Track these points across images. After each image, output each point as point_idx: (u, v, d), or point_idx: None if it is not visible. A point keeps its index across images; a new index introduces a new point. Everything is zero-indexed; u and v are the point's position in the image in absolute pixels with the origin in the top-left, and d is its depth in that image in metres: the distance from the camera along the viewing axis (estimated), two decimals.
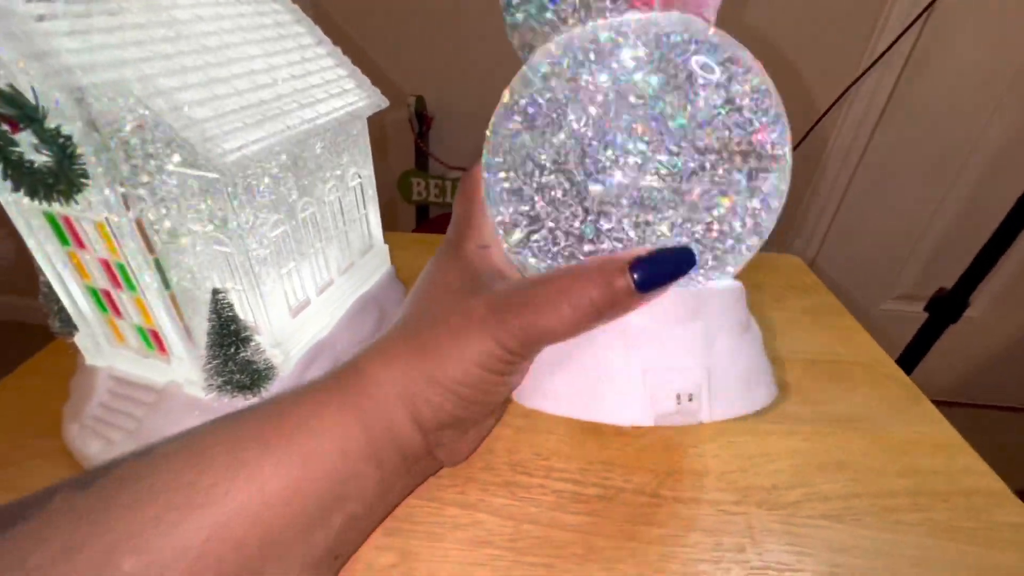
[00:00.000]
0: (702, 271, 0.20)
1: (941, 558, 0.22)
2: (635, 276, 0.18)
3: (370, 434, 0.19)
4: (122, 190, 0.19)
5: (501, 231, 0.21)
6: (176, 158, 0.19)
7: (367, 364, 0.20)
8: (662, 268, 0.18)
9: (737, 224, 0.19)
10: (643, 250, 0.19)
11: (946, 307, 0.74)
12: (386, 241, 0.34)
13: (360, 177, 0.30)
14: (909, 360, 0.82)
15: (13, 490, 0.25)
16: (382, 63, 1.06)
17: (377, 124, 0.29)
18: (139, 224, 0.20)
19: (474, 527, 0.23)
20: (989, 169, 1.03)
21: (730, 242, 0.20)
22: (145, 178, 0.19)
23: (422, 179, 1.07)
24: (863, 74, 0.93)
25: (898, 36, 0.88)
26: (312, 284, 0.27)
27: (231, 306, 0.23)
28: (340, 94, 0.26)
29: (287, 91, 0.24)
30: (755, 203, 0.19)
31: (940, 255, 1.14)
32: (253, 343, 0.24)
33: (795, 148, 0.81)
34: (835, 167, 1.07)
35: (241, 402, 0.24)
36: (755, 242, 0.20)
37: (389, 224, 0.34)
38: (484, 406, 0.21)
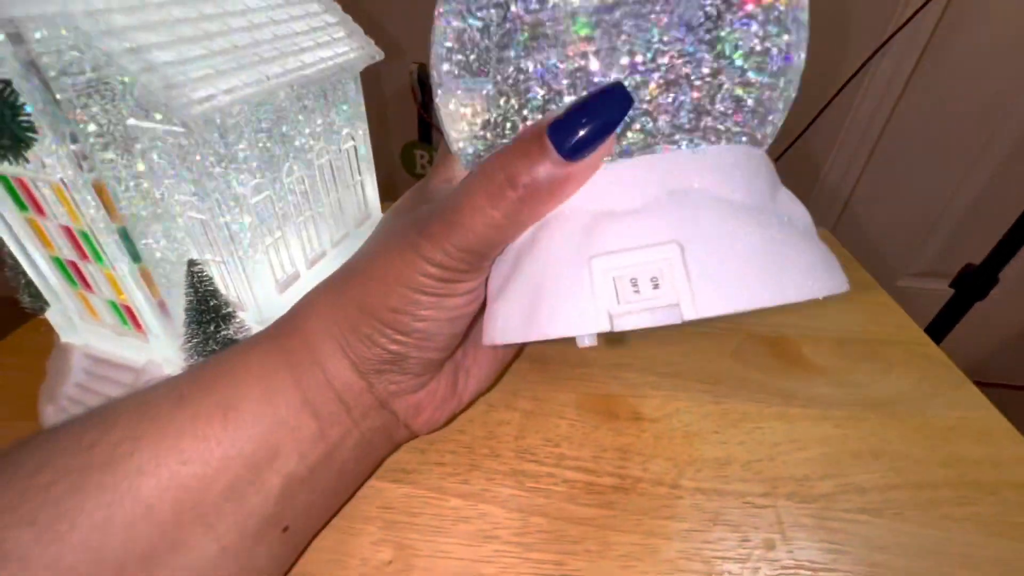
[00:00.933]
0: (692, 135, 0.15)
1: (991, 556, 0.20)
2: (556, 141, 0.14)
3: (299, 377, 0.17)
4: (74, 146, 0.17)
5: (457, 147, 0.17)
6: (135, 110, 0.17)
7: (300, 305, 0.18)
8: (587, 120, 0.13)
9: (741, 61, 0.14)
10: (554, 115, 0.14)
11: (974, 283, 0.71)
12: (385, 212, 0.32)
13: (354, 139, 0.27)
14: (933, 337, 0.80)
15: None
16: (382, 29, 1.01)
17: (376, 91, 0.26)
18: (98, 187, 0.18)
19: (478, 520, 0.21)
20: (1019, 140, 0.98)
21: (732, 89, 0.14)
22: (101, 133, 0.17)
23: (425, 151, 1.03)
24: (889, 39, 0.88)
25: (925, 2, 0.82)
26: (302, 256, 0.25)
27: (210, 280, 0.21)
28: (328, 43, 0.24)
29: (267, 37, 0.21)
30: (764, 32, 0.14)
31: (964, 230, 1.09)
32: (236, 320, 0.22)
33: (818, 116, 0.76)
34: (856, 136, 1.03)
35: None
36: (773, 94, 0.15)
37: (390, 197, 0.31)
38: (426, 338, 0.17)
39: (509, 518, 0.21)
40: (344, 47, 0.24)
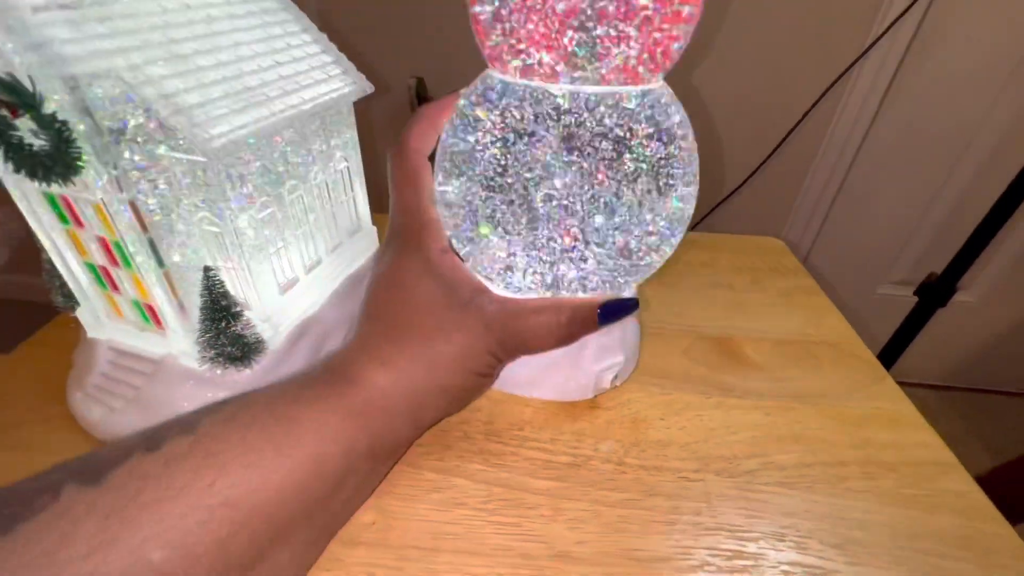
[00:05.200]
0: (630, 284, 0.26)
1: (883, 520, 0.24)
2: (602, 314, 0.24)
3: (373, 440, 0.22)
4: (115, 172, 0.20)
5: (456, 242, 0.24)
6: (166, 144, 0.20)
7: (370, 375, 0.22)
8: (618, 310, 0.24)
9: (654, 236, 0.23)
10: (602, 298, 0.24)
11: (935, 292, 0.75)
12: (375, 223, 0.35)
13: (347, 160, 0.31)
14: (899, 343, 0.84)
15: (26, 449, 0.27)
16: (382, 47, 1.06)
17: (373, 111, 0.30)
18: (133, 205, 0.21)
19: (449, 490, 0.25)
20: (991, 155, 1.03)
21: (647, 259, 0.24)
22: (137, 162, 0.21)
23: None
24: (860, 57, 0.92)
25: (894, 20, 0.87)
26: (300, 263, 0.29)
27: (222, 283, 0.24)
28: (326, 80, 0.27)
29: (273, 78, 0.25)
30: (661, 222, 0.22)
31: (940, 240, 1.14)
32: (243, 318, 0.25)
33: (794, 128, 0.80)
34: (836, 150, 1.07)
35: (233, 373, 0.26)
36: (658, 258, 0.24)
37: (380, 207, 0.35)
38: (471, 400, 0.27)
39: (476, 489, 0.25)
40: (339, 83, 0.28)
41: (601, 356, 0.28)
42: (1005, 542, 0.23)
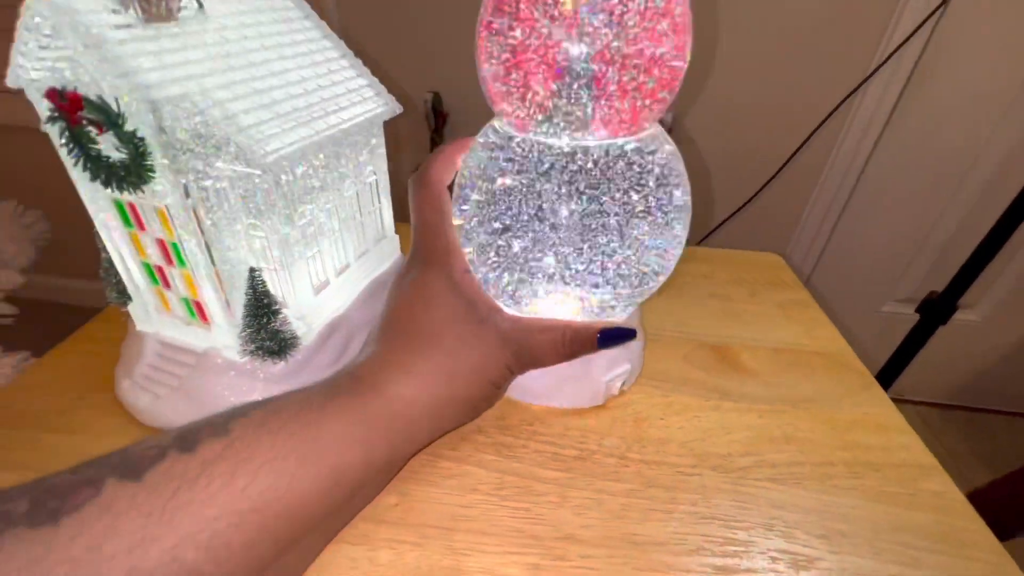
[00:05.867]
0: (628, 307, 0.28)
1: (866, 515, 0.26)
2: (600, 339, 0.27)
3: (392, 449, 0.23)
4: (183, 182, 0.23)
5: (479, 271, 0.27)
6: (226, 158, 0.23)
7: (394, 384, 0.24)
8: (616, 336, 0.27)
9: (654, 263, 0.25)
10: (602, 324, 0.27)
11: (936, 310, 0.77)
12: (398, 231, 0.38)
13: (376, 174, 0.34)
14: (901, 360, 0.85)
15: (75, 432, 0.29)
16: (399, 62, 1.10)
17: (392, 124, 0.33)
18: (193, 210, 0.24)
19: (465, 477, 0.27)
20: (995, 175, 1.05)
21: (648, 283, 0.26)
22: (201, 173, 0.23)
23: None
24: (865, 80, 0.95)
25: (900, 44, 0.89)
26: (332, 267, 0.31)
27: (264, 283, 0.27)
28: (361, 102, 0.30)
29: (316, 100, 0.27)
30: (666, 244, 0.25)
31: (945, 259, 1.15)
32: (281, 315, 0.28)
33: (800, 147, 0.83)
34: (840, 170, 1.09)
35: (270, 365, 0.28)
36: (658, 280, 0.27)
37: (402, 216, 0.38)
38: (483, 411, 0.29)
39: (489, 476, 0.27)
40: (372, 104, 0.31)
41: (609, 367, 0.31)
42: (979, 537, 0.25)
